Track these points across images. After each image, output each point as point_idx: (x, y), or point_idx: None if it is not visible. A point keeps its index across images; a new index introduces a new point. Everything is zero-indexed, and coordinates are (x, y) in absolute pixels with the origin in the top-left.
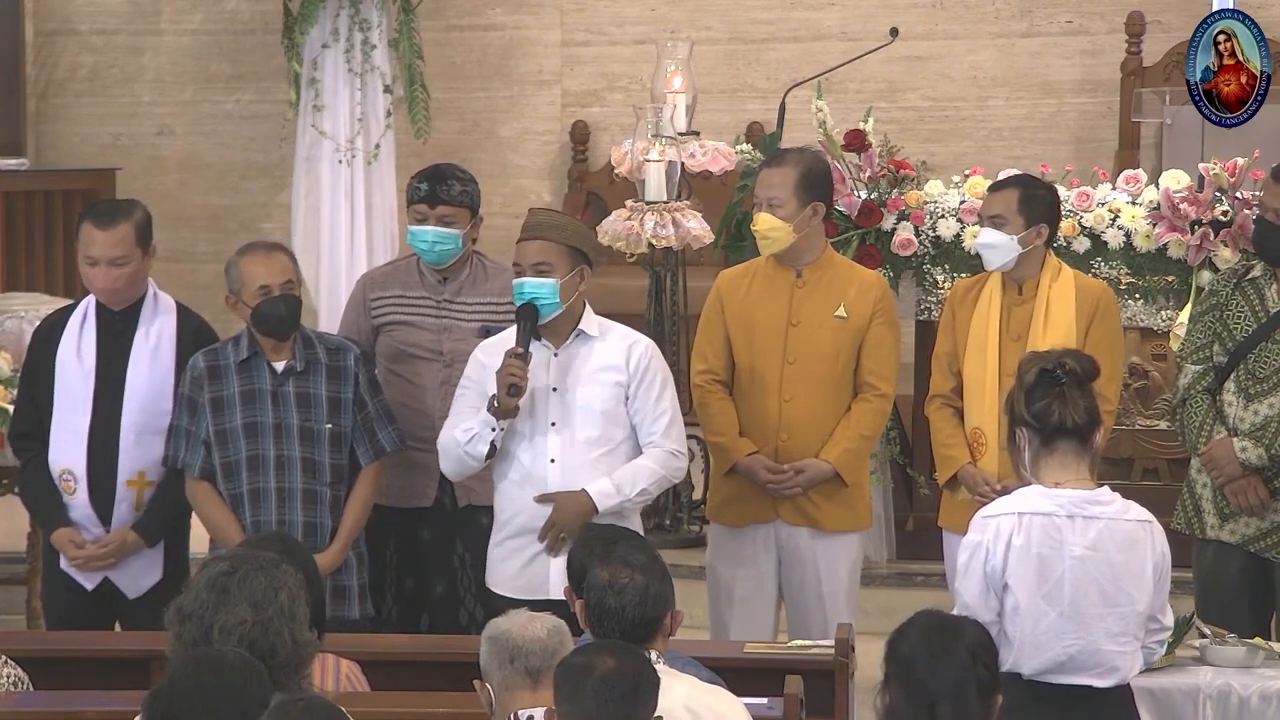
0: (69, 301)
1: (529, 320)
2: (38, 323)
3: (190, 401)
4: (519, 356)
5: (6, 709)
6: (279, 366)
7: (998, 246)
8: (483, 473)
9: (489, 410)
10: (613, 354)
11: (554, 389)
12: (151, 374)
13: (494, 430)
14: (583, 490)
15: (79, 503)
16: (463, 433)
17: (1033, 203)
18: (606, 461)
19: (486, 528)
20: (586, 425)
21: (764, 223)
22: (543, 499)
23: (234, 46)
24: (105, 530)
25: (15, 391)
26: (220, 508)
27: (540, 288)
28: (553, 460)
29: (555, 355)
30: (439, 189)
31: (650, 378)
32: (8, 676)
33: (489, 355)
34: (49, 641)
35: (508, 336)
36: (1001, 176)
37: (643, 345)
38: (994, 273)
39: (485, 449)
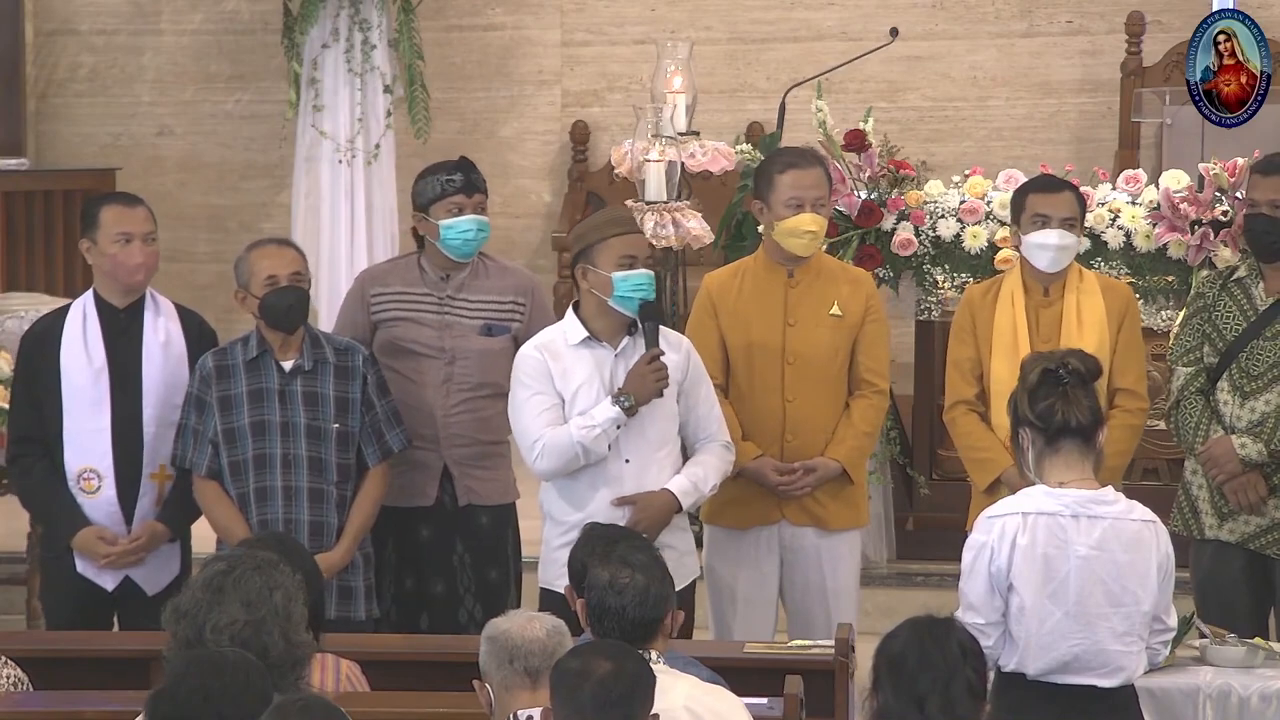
0: (66, 302)
1: (656, 319)
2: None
3: (198, 401)
4: (657, 358)
5: (6, 709)
6: (287, 365)
7: (1069, 248)
8: (483, 473)
9: (622, 408)
10: (669, 351)
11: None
12: (165, 367)
13: (618, 429)
14: (665, 490)
15: (103, 500)
16: (584, 430)
17: (1082, 204)
18: (669, 459)
19: (487, 527)
20: (654, 424)
21: (816, 223)
22: (621, 501)
23: (234, 46)
24: (126, 527)
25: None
26: (227, 507)
27: (652, 280)
28: (627, 461)
29: (616, 355)
30: (473, 177)
31: (700, 375)
32: (8, 677)
33: (547, 353)
34: (49, 641)
35: (558, 332)
36: (1003, 177)
37: (687, 343)
38: (1010, 274)
39: (606, 447)
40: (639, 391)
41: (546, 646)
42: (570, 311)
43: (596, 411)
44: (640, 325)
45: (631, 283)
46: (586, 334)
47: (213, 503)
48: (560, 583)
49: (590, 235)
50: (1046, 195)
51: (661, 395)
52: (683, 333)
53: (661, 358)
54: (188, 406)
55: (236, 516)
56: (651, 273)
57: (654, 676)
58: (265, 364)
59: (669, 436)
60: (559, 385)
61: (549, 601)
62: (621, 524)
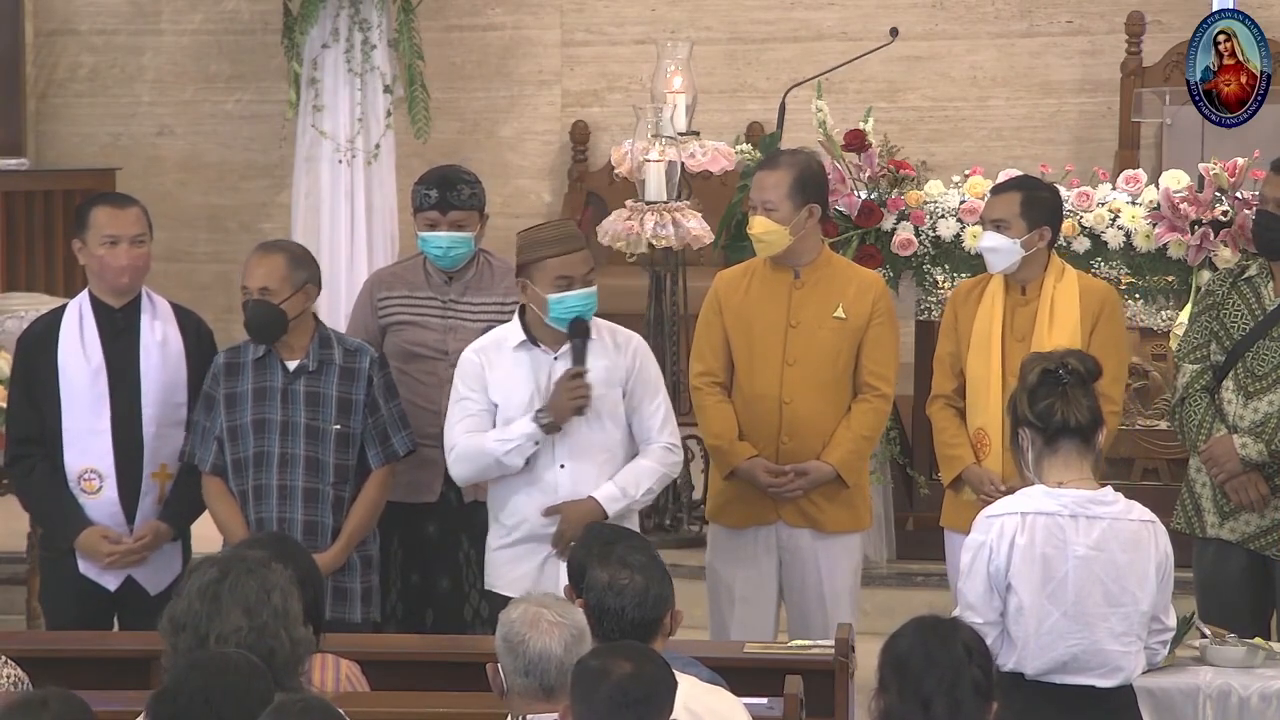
0: (63, 302)
1: (584, 337)
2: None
3: (207, 397)
4: (580, 375)
5: None
6: (291, 365)
7: (1000, 250)
8: None
9: (539, 425)
10: (610, 355)
11: None
12: (164, 367)
13: (536, 445)
14: (589, 497)
15: (104, 500)
16: (499, 443)
17: (1035, 205)
18: (610, 464)
19: None
20: (592, 429)
21: (759, 226)
22: (550, 511)
23: (234, 46)
24: (128, 527)
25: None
26: (228, 504)
27: (591, 298)
28: (562, 466)
29: (555, 359)
30: (449, 195)
31: (645, 376)
32: (8, 677)
33: (485, 357)
34: (49, 641)
35: (499, 336)
36: (1002, 178)
37: (635, 342)
38: (995, 273)
39: (522, 462)
40: (557, 409)
41: (564, 664)
42: (516, 313)
43: (515, 426)
44: (570, 340)
45: (566, 305)
46: (523, 337)
47: (215, 500)
48: (499, 584)
49: (530, 253)
50: (988, 199)
51: (581, 414)
52: (687, 333)
53: (585, 376)
54: (199, 403)
55: (236, 515)
56: (593, 289)
57: (674, 680)
58: (271, 363)
59: (609, 442)
60: (492, 389)
61: (494, 603)
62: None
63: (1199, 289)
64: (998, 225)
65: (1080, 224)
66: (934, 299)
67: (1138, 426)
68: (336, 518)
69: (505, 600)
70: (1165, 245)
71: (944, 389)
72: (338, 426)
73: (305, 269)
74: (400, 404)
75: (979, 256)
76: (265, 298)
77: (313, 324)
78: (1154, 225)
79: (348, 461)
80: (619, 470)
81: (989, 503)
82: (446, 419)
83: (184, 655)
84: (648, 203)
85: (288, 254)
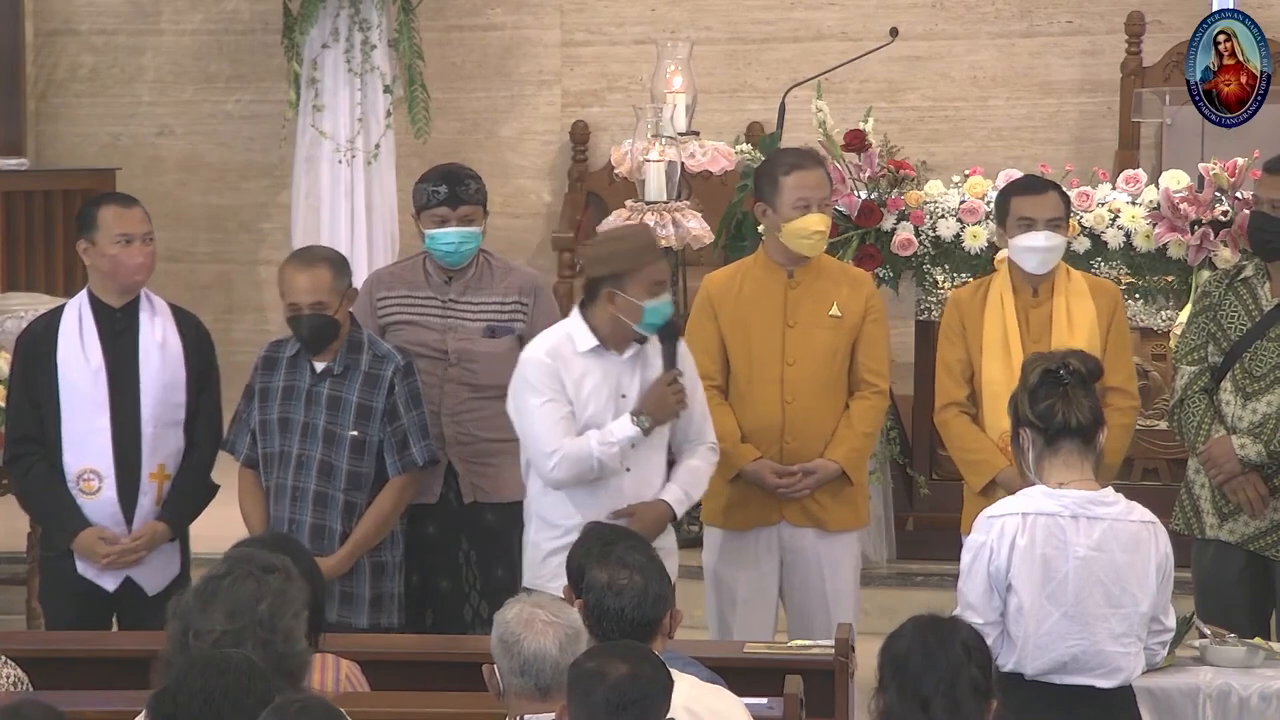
0: (62, 302)
1: (674, 338)
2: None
3: (249, 388)
4: (676, 378)
5: None
6: (319, 367)
7: (1057, 249)
8: (489, 470)
9: (639, 427)
10: (657, 360)
11: (623, 395)
12: (163, 367)
13: (633, 446)
14: (660, 501)
15: (103, 501)
16: (604, 446)
17: (1067, 204)
18: (661, 465)
19: (492, 525)
20: (652, 431)
21: (824, 223)
22: (618, 514)
23: (234, 46)
24: (127, 527)
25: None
26: (253, 499)
27: (671, 305)
28: (628, 469)
29: (624, 361)
30: (459, 190)
31: (694, 380)
32: (7, 677)
33: (557, 359)
34: (49, 641)
35: (565, 337)
36: (1003, 178)
37: (683, 347)
38: (998, 276)
39: (620, 464)
40: (658, 412)
41: (559, 664)
42: (577, 316)
43: (615, 428)
44: (660, 343)
45: (661, 311)
46: (596, 342)
47: (242, 493)
48: (552, 585)
49: (626, 262)
50: (1031, 197)
51: (679, 417)
52: (681, 333)
53: (680, 378)
54: (244, 393)
55: (256, 511)
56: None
57: (671, 680)
58: (301, 363)
59: (661, 445)
60: (570, 392)
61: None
62: None
63: (1198, 289)
64: (1055, 224)
65: (1080, 224)
66: (934, 299)
67: (1138, 426)
68: (345, 524)
69: None
70: (1165, 245)
71: (955, 396)
72: (354, 432)
73: (346, 275)
74: (424, 414)
75: (979, 256)
76: (319, 311)
77: (347, 327)
78: (1154, 225)
79: (361, 468)
80: (664, 468)
81: None
82: (528, 423)
83: (174, 645)
84: (648, 203)
85: (330, 263)
